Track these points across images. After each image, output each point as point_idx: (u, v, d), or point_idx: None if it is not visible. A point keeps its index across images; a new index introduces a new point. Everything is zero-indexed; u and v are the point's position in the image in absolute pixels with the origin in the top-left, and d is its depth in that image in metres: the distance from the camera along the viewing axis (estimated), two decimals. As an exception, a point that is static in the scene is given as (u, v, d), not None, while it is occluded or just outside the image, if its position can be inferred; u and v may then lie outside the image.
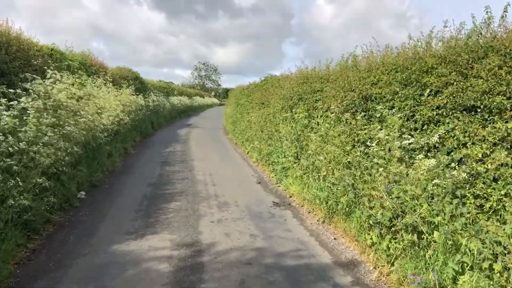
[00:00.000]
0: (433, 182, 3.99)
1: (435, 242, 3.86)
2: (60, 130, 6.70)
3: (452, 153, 4.14)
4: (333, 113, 6.82)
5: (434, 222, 3.92)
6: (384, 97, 5.68)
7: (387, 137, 4.94)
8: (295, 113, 9.05)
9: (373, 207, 4.86)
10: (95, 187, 8.15)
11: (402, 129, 4.91)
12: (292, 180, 8.24)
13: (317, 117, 8.07)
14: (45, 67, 7.58)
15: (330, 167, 6.29)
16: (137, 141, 15.23)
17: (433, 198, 4.00)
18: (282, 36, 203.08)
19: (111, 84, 12.61)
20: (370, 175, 5.12)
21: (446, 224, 3.68)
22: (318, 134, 7.24)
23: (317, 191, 6.57)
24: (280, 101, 10.20)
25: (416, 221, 3.96)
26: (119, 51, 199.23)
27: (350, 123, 6.14)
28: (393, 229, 4.39)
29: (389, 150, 5.03)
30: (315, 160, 6.79)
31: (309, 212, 6.81)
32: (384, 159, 4.85)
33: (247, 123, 14.33)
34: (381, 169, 4.67)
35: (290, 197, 7.97)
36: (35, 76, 7.16)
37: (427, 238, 3.96)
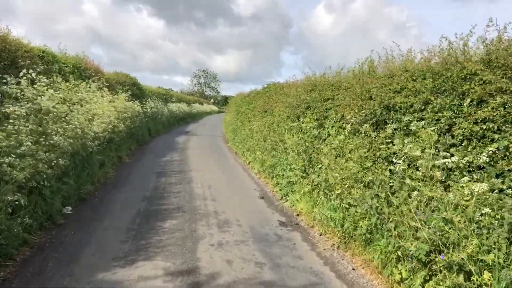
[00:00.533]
0: (483, 211, 3.28)
1: (487, 286, 3.15)
2: (46, 139, 5.98)
3: (504, 176, 3.43)
4: (349, 123, 6.12)
5: (486, 261, 3.21)
6: (411, 106, 4.99)
7: (418, 153, 4.24)
8: (303, 123, 8.36)
9: (403, 236, 4.14)
10: (83, 201, 7.41)
11: (436, 145, 4.21)
12: (300, 196, 7.52)
13: (328, 128, 7.38)
14: (31, 69, 6.86)
15: (346, 185, 5.58)
16: (133, 149, 14.51)
17: (483, 231, 3.29)
18: (281, 44, 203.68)
19: (106, 89, 11.90)
20: (397, 198, 4.41)
21: (507, 266, 2.97)
22: (330, 146, 6.54)
23: (331, 211, 5.84)
24: (286, 109, 9.53)
25: (463, 259, 3.25)
26: (118, 57, 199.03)
27: (370, 135, 5.45)
28: (430, 265, 3.66)
29: (417, 169, 4.34)
30: (328, 176, 6.07)
31: (320, 235, 6.08)
32: (418, 180, 4.14)
33: (249, 132, 13.64)
34: (415, 193, 3.96)
35: (298, 215, 7.24)
36: (19, 78, 6.48)
37: (476, 279, 3.24)
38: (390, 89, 5.52)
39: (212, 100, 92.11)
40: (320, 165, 6.89)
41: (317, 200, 6.77)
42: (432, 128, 4.29)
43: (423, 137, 4.29)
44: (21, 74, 6.53)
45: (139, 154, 13.96)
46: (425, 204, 3.95)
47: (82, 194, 7.49)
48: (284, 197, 8.21)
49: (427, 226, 3.70)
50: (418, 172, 4.16)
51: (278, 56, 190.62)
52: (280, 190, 8.63)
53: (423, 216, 3.78)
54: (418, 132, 4.55)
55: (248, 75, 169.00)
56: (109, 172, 9.75)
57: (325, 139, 7.41)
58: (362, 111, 5.82)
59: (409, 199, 4.11)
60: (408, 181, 4.19)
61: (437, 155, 4.02)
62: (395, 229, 4.26)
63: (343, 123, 6.69)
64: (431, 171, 3.93)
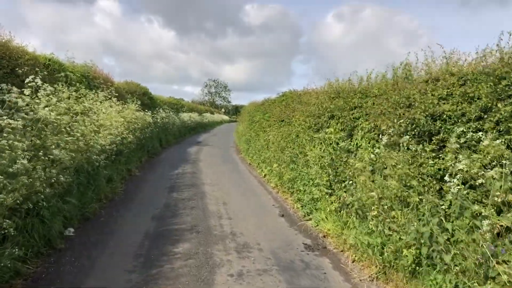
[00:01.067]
0: None
1: None
2: (45, 153, 5.37)
3: None
4: (385, 134, 5.39)
5: None
6: (463, 115, 4.26)
7: (482, 171, 3.50)
8: (326, 133, 7.66)
9: (465, 271, 3.40)
10: (88, 221, 6.78)
11: (504, 161, 3.47)
12: (325, 215, 6.79)
13: (357, 139, 6.66)
14: (33, 77, 6.29)
15: (385, 206, 4.84)
16: (143, 161, 13.93)
17: None
18: (291, 54, 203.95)
19: (115, 98, 11.35)
20: (455, 224, 3.66)
21: None
22: (364, 161, 5.81)
23: (366, 236, 5.10)
24: (306, 118, 8.83)
25: None
26: (129, 68, 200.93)
27: (413, 149, 4.72)
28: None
29: (473, 188, 3.60)
30: (363, 194, 5.34)
31: (353, 262, 5.33)
32: (484, 204, 3.40)
33: (264, 142, 12.96)
34: (486, 222, 3.21)
35: (324, 236, 6.50)
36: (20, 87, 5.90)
37: None
38: (434, 95, 4.80)
39: (223, 110, 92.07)
40: (350, 181, 6.16)
41: (347, 221, 6.03)
42: (499, 141, 3.55)
43: (487, 151, 3.55)
44: (27, 80, 5.95)
45: (149, 167, 13.36)
46: (496, 234, 3.21)
47: (86, 213, 6.86)
48: (307, 215, 7.49)
49: (505, 265, 2.95)
50: (475, 193, 3.41)
51: (288, 66, 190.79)
52: (302, 207, 7.90)
53: (500, 251, 3.03)
54: (477, 146, 3.82)
55: (258, 84, 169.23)
56: (117, 188, 9.13)
57: (353, 152, 6.69)
58: (400, 121, 5.10)
59: (475, 228, 3.36)
60: (472, 205, 3.44)
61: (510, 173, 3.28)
62: (455, 264, 3.51)
63: (376, 134, 5.96)
64: (504, 194, 3.19)
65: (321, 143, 7.79)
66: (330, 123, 7.80)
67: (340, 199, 6.50)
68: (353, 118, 6.91)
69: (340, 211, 6.45)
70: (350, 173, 6.29)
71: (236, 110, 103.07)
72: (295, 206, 8.27)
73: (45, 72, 9.20)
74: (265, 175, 11.83)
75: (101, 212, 7.35)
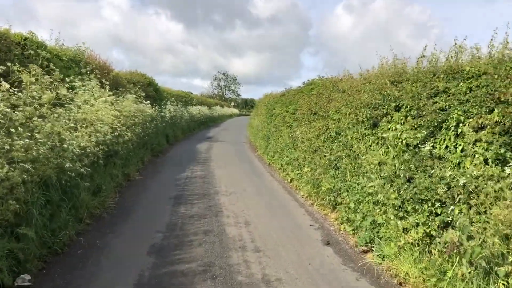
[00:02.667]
0: None
1: None
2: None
3: None
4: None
5: None
6: None
7: None
8: (390, 130, 5.54)
9: None
10: (57, 257, 4.76)
11: None
12: (397, 250, 4.69)
13: (447, 140, 4.53)
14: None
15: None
16: (146, 161, 11.91)
17: None
18: (300, 46, 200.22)
19: (107, 87, 9.30)
20: None
21: None
22: (472, 175, 3.68)
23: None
24: (356, 110, 6.68)
25: None
26: (139, 61, 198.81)
27: None
28: None
29: None
30: (498, 240, 3.22)
31: None
32: None
33: (289, 140, 10.83)
34: None
35: (401, 284, 4.40)
36: None
37: None
38: None
39: (232, 103, 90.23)
40: (450, 206, 4.05)
41: (445, 267, 3.92)
42: None
43: None
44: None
45: (153, 169, 11.34)
46: None
47: (56, 244, 4.83)
48: (364, 244, 5.38)
49: None
50: None
51: (297, 58, 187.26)
52: (354, 231, 5.81)
53: None
54: None
55: (267, 77, 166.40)
56: (108, 200, 7.12)
57: (441, 158, 4.56)
58: None
59: None
60: None
61: None
62: None
63: (484, 135, 3.83)
64: None
65: (383, 144, 5.67)
66: (393, 116, 5.67)
67: (423, 228, 4.38)
68: (436, 109, 4.76)
69: (426, 249, 4.34)
70: (444, 192, 4.16)
71: (245, 104, 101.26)
72: (342, 228, 6.17)
73: (15, 52, 7.28)
74: (291, 180, 9.74)
75: (80, 240, 5.32)
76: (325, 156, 7.80)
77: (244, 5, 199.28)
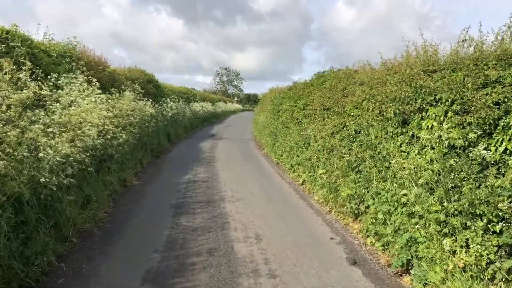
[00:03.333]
0: None
1: None
2: None
3: None
4: None
5: None
6: None
7: None
8: (427, 128, 4.68)
9: None
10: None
11: None
12: (444, 275, 3.84)
13: (503, 142, 3.66)
14: None
15: None
16: (145, 164, 11.09)
17: None
18: (302, 40, 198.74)
19: (97, 84, 8.46)
20: None
21: None
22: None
23: None
24: (382, 106, 5.80)
25: None
26: (140, 59, 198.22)
27: None
28: None
29: None
30: None
31: None
32: None
33: (299, 138, 9.96)
34: None
35: (453, 321, 3.56)
36: None
37: None
38: None
39: (235, 99, 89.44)
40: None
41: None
42: None
43: None
44: None
45: (152, 171, 10.51)
46: None
47: (31, 275, 4.01)
48: (398, 265, 4.53)
49: None
50: None
51: (299, 52, 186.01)
52: (384, 247, 4.97)
53: None
54: None
55: (269, 72, 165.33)
56: (99, 211, 6.29)
57: (495, 162, 3.70)
58: None
59: None
60: None
61: None
62: None
63: None
64: None
65: (418, 144, 4.81)
66: (427, 111, 4.80)
67: (483, 250, 3.53)
68: (490, 103, 3.89)
69: (484, 277, 3.49)
70: (508, 207, 3.31)
71: (248, 99, 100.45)
72: (369, 242, 5.33)
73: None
74: (303, 182, 8.90)
75: (62, 266, 4.50)
76: (343, 157, 6.94)
77: (245, 0, 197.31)
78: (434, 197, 4.22)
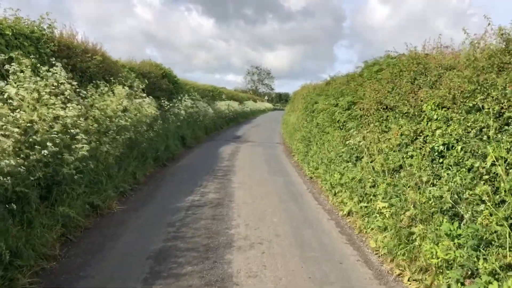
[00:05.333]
0: None
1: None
2: None
3: None
4: None
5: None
6: None
7: None
8: None
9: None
10: None
11: None
12: None
13: None
14: None
15: None
16: (141, 177, 8.69)
17: None
18: (334, 39, 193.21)
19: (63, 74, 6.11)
20: None
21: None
22: None
23: None
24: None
25: None
26: (172, 58, 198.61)
27: None
28: None
29: None
30: None
31: None
32: None
33: (343, 148, 7.27)
34: None
35: None
36: None
37: None
38: None
39: (266, 97, 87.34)
40: None
41: None
42: None
43: None
44: None
45: (148, 190, 8.11)
46: None
47: None
48: None
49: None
50: None
51: (331, 51, 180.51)
52: None
53: None
54: None
55: (301, 71, 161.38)
56: (27, 272, 3.89)
57: None
58: None
59: None
60: None
61: None
62: None
63: None
64: None
65: None
66: None
67: None
68: None
69: None
70: None
71: (280, 98, 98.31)
72: None
73: None
74: (349, 213, 6.22)
75: None
76: (423, 187, 4.22)
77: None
78: None
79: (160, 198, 7.44)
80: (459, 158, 3.77)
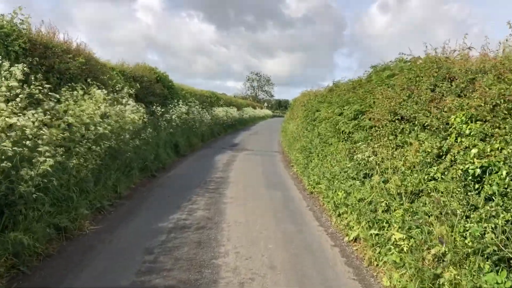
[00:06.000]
0: None
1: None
2: None
3: None
4: None
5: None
6: None
7: None
8: None
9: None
10: None
11: None
12: None
13: None
14: None
15: None
16: (125, 190, 7.86)
17: None
18: (334, 46, 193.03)
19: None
20: None
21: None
22: None
23: None
24: None
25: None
26: (173, 63, 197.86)
27: None
28: None
29: None
30: None
31: None
32: None
33: (349, 163, 6.44)
34: None
35: None
36: None
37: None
38: None
39: (265, 104, 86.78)
40: None
41: None
42: None
43: None
44: None
45: (130, 205, 7.26)
46: None
47: None
48: None
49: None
50: None
51: (331, 59, 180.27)
52: None
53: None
54: None
55: (301, 78, 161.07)
56: None
57: None
58: None
59: None
60: None
61: None
62: None
63: None
64: None
65: None
66: None
67: None
68: None
69: None
70: None
71: (279, 105, 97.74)
72: None
73: None
74: (355, 239, 5.38)
75: None
76: (449, 219, 3.39)
77: (276, 5, 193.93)
78: None
79: (142, 215, 6.59)
80: (505, 185, 2.97)
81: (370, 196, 5.14)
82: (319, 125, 9.26)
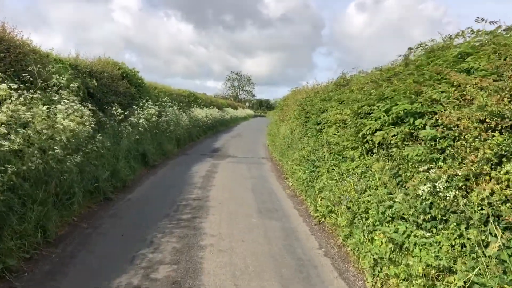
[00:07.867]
0: None
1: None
2: None
3: None
4: None
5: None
6: None
7: None
8: None
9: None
10: None
11: None
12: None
13: None
14: None
15: None
16: (59, 229, 5.41)
17: None
18: (313, 46, 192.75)
19: None
20: None
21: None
22: None
23: None
24: None
25: None
26: (151, 63, 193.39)
27: None
28: None
29: None
30: None
31: None
32: None
33: (409, 199, 4.17)
34: None
35: None
36: None
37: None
38: None
39: (247, 104, 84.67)
40: None
41: None
42: None
43: None
44: None
45: (59, 255, 4.84)
46: None
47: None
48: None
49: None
50: None
51: (310, 58, 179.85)
52: None
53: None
54: None
55: (281, 78, 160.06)
56: None
57: None
58: None
59: None
60: None
61: None
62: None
63: None
64: None
65: None
66: None
67: None
68: None
69: None
70: None
71: (260, 104, 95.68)
72: None
73: None
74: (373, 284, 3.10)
75: None
76: None
77: (254, 5, 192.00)
78: None
79: (68, 280, 4.16)
80: None
81: (461, 264, 2.87)
82: (328, 130, 6.99)
